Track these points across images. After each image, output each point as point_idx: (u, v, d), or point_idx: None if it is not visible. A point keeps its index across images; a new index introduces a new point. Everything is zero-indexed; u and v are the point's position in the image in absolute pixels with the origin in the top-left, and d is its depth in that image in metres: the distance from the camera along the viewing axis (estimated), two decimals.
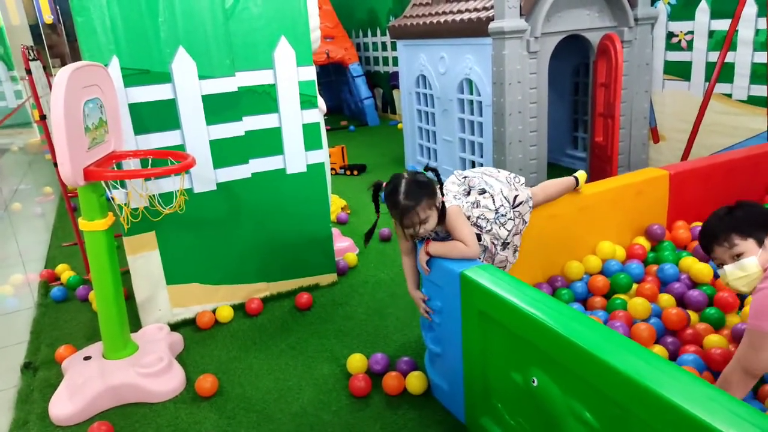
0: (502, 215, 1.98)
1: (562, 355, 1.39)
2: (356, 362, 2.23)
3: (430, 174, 1.89)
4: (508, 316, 1.55)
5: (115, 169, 2.27)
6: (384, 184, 1.88)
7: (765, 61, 3.44)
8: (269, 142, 2.69)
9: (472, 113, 4.16)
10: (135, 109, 2.38)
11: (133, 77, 2.35)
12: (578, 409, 1.38)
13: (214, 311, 2.72)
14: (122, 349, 2.26)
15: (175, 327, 2.65)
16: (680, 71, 3.99)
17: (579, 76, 4.61)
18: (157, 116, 2.43)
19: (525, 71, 3.63)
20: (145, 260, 2.55)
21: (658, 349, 1.97)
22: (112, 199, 2.18)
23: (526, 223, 2.08)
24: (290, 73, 2.64)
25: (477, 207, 1.97)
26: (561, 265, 2.46)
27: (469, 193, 2.04)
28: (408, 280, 2.06)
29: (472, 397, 1.83)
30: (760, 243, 1.61)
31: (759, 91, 3.53)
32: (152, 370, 2.18)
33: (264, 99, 2.63)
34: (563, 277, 2.43)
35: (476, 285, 1.66)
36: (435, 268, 1.85)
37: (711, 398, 1.10)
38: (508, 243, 2.03)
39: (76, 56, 9.79)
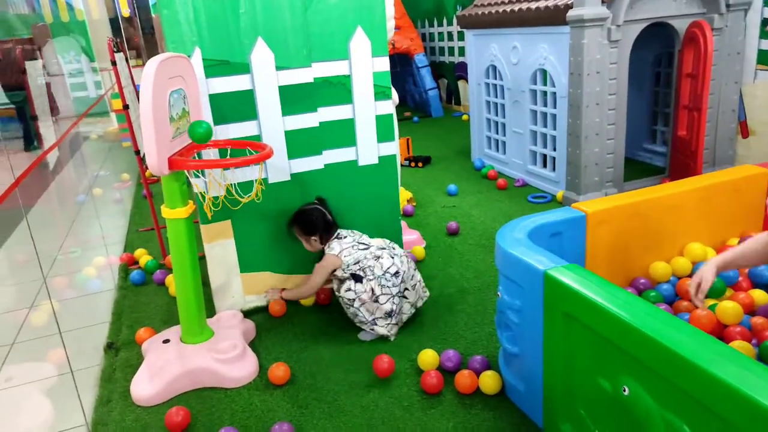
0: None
1: (658, 364, 1.30)
2: (428, 358, 2.19)
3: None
4: (597, 319, 1.47)
5: (197, 158, 2.32)
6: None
7: None
8: (343, 133, 2.68)
9: (545, 105, 4.03)
10: (215, 99, 2.42)
11: (214, 68, 2.39)
12: (675, 422, 1.29)
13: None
14: (199, 334, 2.32)
15: (247, 314, 2.69)
16: None
17: (661, 65, 4.37)
18: (235, 107, 2.46)
19: (605, 61, 3.47)
20: (221, 248, 2.61)
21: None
22: (195, 186, 2.22)
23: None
24: (365, 64, 2.62)
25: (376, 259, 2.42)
26: (644, 267, 2.33)
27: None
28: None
29: (552, 402, 1.76)
30: None
31: None
32: (228, 356, 2.22)
33: (339, 90, 2.61)
34: (647, 279, 2.31)
35: (562, 285, 1.58)
36: (516, 267, 1.79)
37: None
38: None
39: (150, 48, 10.19)
